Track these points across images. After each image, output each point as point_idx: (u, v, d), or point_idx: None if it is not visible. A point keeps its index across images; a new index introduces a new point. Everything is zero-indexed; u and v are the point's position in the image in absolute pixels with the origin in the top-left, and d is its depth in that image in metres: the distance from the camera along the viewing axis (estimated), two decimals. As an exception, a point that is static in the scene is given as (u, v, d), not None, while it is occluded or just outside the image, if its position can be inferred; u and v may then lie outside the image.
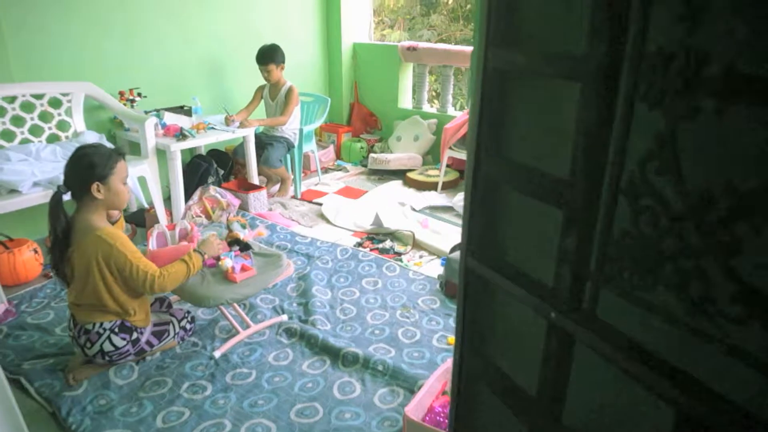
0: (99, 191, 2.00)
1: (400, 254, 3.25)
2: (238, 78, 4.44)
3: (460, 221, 3.73)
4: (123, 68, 3.69)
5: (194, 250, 2.20)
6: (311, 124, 4.37)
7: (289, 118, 4.05)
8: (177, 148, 3.41)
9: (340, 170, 4.95)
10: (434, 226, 3.61)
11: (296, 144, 4.17)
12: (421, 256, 3.25)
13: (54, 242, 2.04)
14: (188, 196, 3.71)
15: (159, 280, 2.03)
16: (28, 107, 3.22)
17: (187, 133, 3.48)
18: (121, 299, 2.07)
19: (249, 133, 3.85)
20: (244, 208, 3.84)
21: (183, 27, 3.98)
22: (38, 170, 2.89)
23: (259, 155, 4.02)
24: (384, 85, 5.16)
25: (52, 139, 3.33)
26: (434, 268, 3.08)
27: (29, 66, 3.23)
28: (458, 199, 3.91)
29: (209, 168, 4.03)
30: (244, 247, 2.46)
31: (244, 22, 4.38)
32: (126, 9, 3.62)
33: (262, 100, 4.19)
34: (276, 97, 4.09)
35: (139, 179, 3.30)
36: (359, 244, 3.38)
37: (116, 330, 2.10)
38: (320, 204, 4.05)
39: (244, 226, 2.51)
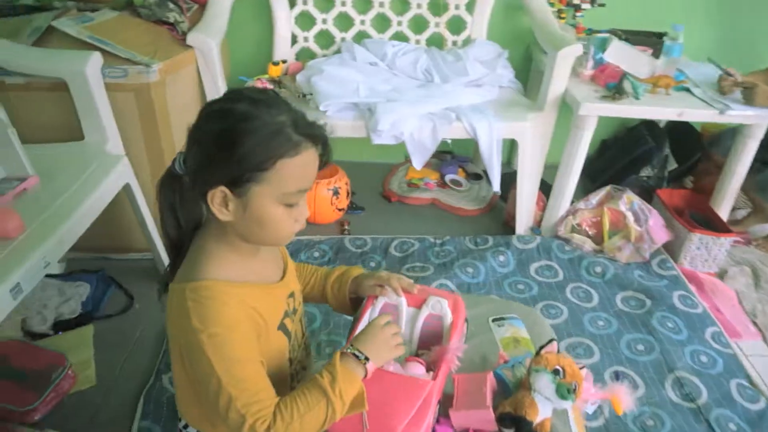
0: (224, 205, 0.79)
1: None
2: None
3: None
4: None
5: (347, 351, 0.87)
6: None
7: None
8: (593, 111, 1.85)
9: None
10: None
11: None
12: None
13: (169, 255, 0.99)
14: (595, 184, 2.17)
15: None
16: (420, -13, 2.19)
17: (627, 89, 1.85)
18: (206, 413, 0.96)
19: (759, 121, 1.89)
20: (670, 249, 2.05)
21: None
22: (367, 86, 1.91)
23: (757, 167, 2.04)
24: None
25: (433, 41, 2.26)
26: None
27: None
28: None
29: (654, 151, 2.31)
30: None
31: None
32: None
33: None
34: None
35: (507, 142, 1.98)
36: None
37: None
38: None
39: (566, 394, 0.95)
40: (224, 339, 0.78)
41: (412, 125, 1.82)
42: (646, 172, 2.32)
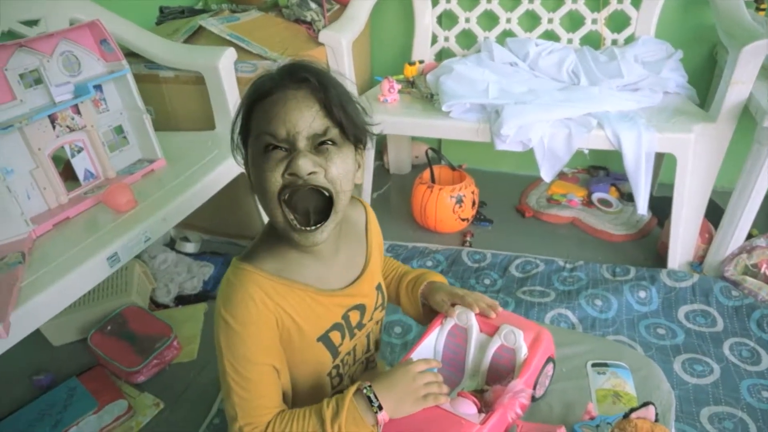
0: (245, 162, 0.78)
1: None
2: None
3: None
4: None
5: (363, 390, 0.75)
6: None
7: None
8: (783, 123, 1.45)
9: None
10: None
11: None
12: None
13: None
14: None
15: None
16: (577, -20, 1.95)
17: (840, 97, 1.42)
18: None
19: None
20: None
21: None
22: (499, 86, 1.75)
23: None
24: None
25: (588, 40, 1.99)
26: None
27: None
28: None
29: None
30: None
31: None
32: None
33: None
34: None
35: (661, 157, 1.65)
36: None
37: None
38: None
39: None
40: (235, 332, 0.74)
41: (542, 131, 1.62)
42: None
